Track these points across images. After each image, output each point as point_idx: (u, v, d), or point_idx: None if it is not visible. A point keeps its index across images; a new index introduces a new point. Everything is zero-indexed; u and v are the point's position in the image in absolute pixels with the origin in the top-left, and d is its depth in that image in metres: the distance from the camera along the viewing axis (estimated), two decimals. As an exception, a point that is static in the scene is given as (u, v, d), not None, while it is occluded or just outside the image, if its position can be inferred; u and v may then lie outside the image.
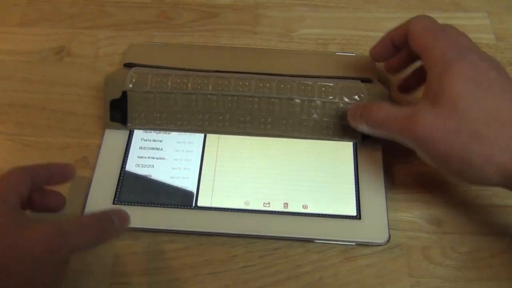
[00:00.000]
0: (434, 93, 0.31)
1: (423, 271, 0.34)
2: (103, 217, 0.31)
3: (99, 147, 0.39)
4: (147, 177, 0.37)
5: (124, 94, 0.38)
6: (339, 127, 0.38)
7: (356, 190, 0.37)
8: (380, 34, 0.47)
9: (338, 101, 0.37)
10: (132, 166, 0.38)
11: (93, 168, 0.38)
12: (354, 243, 0.35)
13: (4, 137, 0.40)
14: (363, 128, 0.35)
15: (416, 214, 0.37)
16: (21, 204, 0.30)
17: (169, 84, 0.37)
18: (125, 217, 0.31)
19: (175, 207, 0.36)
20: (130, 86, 0.37)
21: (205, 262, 0.34)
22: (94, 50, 0.45)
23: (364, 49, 0.46)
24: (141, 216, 0.35)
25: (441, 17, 0.48)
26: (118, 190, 0.36)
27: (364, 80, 0.40)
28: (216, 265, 0.34)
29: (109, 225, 0.30)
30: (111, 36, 0.46)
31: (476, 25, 0.48)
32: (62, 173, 0.33)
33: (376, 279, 0.34)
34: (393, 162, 0.39)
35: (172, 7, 0.49)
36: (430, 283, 0.34)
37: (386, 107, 0.34)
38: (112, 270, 0.34)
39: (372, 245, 0.35)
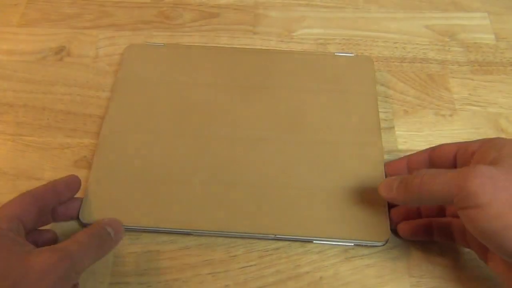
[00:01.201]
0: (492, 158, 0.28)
1: (423, 271, 0.34)
2: (100, 231, 0.31)
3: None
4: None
5: None
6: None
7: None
8: (380, 34, 0.47)
9: None
10: None
11: (93, 168, 0.38)
12: (352, 244, 0.35)
13: (4, 137, 0.40)
14: (399, 201, 0.32)
15: (416, 214, 0.37)
16: (26, 229, 0.30)
17: None
18: (118, 226, 0.32)
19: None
20: None
21: (205, 262, 0.34)
22: (94, 50, 0.45)
23: (364, 49, 0.46)
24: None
25: (441, 17, 0.49)
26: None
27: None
28: (216, 265, 0.34)
29: (107, 238, 0.31)
30: (111, 36, 0.46)
31: (476, 25, 0.48)
32: (69, 187, 0.34)
33: (376, 279, 0.34)
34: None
35: (172, 7, 0.49)
36: (430, 283, 0.34)
37: (430, 172, 0.29)
38: (112, 270, 0.34)
39: (371, 246, 0.35)
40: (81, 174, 0.38)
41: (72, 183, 0.34)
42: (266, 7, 0.49)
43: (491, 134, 0.41)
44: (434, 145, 0.34)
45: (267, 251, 0.35)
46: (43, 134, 0.40)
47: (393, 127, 0.41)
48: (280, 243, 0.35)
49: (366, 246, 0.35)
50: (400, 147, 0.40)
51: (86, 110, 0.41)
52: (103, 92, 0.43)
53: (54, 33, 0.47)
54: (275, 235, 0.35)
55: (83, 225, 0.35)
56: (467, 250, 0.35)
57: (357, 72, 0.43)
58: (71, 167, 0.38)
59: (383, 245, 0.35)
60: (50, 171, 0.38)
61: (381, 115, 0.41)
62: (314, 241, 0.35)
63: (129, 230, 0.35)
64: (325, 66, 0.43)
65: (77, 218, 0.35)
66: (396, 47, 0.46)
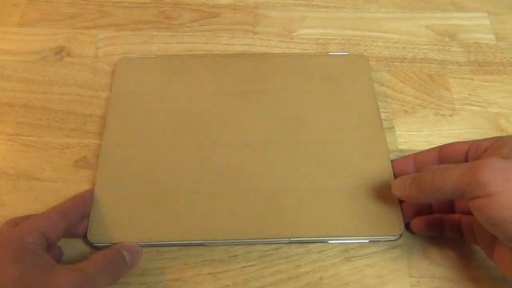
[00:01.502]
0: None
1: (423, 271, 0.34)
2: (115, 256, 0.31)
3: (99, 147, 0.39)
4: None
5: None
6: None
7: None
8: (380, 34, 0.47)
9: None
10: None
11: (93, 168, 0.38)
12: (367, 241, 0.35)
13: (4, 137, 0.40)
14: (413, 198, 0.32)
15: (416, 214, 0.37)
16: (48, 244, 0.30)
17: None
18: (136, 251, 0.32)
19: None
20: None
21: (205, 262, 0.34)
22: (94, 50, 0.45)
23: (364, 49, 0.46)
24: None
25: (441, 17, 0.49)
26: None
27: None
28: (216, 265, 0.34)
29: (122, 263, 0.31)
30: (111, 36, 0.46)
31: (476, 25, 0.48)
32: (91, 201, 0.35)
33: (376, 279, 0.34)
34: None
35: (172, 7, 0.49)
36: (430, 283, 0.34)
37: (441, 167, 0.29)
38: (112, 270, 0.34)
39: (386, 241, 0.35)
40: (81, 174, 0.38)
41: (90, 195, 0.35)
42: (266, 7, 0.49)
43: (491, 134, 0.41)
44: (436, 145, 0.34)
45: (267, 251, 0.35)
46: (43, 134, 0.40)
47: (393, 127, 0.41)
48: (281, 243, 0.35)
49: (380, 241, 0.35)
50: (400, 147, 0.40)
51: (86, 110, 0.41)
52: (103, 92, 0.43)
53: (54, 33, 0.47)
54: (290, 238, 0.35)
55: (90, 245, 0.34)
56: (467, 250, 0.35)
57: (353, 70, 0.43)
58: (71, 167, 0.38)
59: (398, 239, 0.35)
60: (50, 171, 0.38)
61: (381, 115, 0.41)
62: (329, 241, 0.35)
63: (141, 246, 0.35)
64: (321, 66, 0.43)
65: (85, 237, 0.34)
66: (396, 47, 0.46)
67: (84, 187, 0.37)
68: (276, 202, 0.36)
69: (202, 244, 0.35)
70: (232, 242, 0.35)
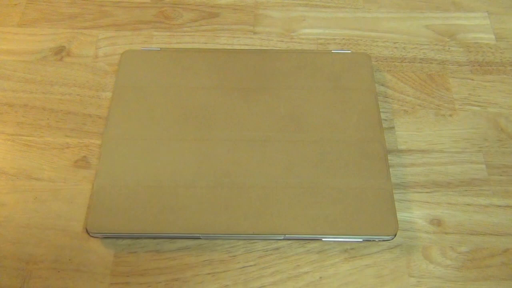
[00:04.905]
0: None
1: (423, 271, 0.34)
2: None
3: (99, 147, 0.39)
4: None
5: None
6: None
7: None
8: (380, 34, 0.48)
9: None
10: None
11: (93, 168, 0.38)
12: (361, 240, 0.35)
13: (4, 137, 0.40)
14: None
15: (416, 214, 0.37)
16: None
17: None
18: None
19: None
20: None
21: (205, 262, 0.34)
22: (94, 50, 0.45)
23: (364, 49, 0.46)
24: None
25: (441, 17, 0.49)
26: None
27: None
28: (216, 265, 0.34)
29: None
30: (111, 36, 0.46)
31: (476, 25, 0.48)
32: None
33: (376, 279, 0.34)
34: (393, 162, 0.39)
35: (172, 7, 0.49)
36: (430, 283, 0.34)
37: None
38: (112, 270, 0.34)
39: (380, 240, 0.35)
40: (81, 174, 0.38)
41: None
42: (266, 7, 0.49)
43: (491, 134, 0.41)
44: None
45: (267, 251, 0.35)
46: (43, 134, 0.40)
47: (393, 127, 0.41)
48: (280, 243, 0.35)
49: (374, 241, 0.35)
50: (400, 147, 0.40)
51: (86, 110, 0.42)
52: (103, 92, 0.43)
53: (54, 33, 0.47)
54: (284, 235, 0.35)
55: (88, 234, 0.35)
56: (466, 250, 0.35)
57: (355, 68, 0.43)
58: (71, 167, 0.38)
59: (392, 239, 0.35)
60: (50, 171, 0.38)
61: (381, 115, 0.41)
62: (323, 239, 0.35)
63: (138, 237, 0.35)
64: (323, 64, 0.43)
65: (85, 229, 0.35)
66: (396, 47, 0.46)
67: (84, 187, 0.37)
68: (273, 198, 0.36)
69: (198, 237, 0.35)
70: (228, 236, 0.35)
